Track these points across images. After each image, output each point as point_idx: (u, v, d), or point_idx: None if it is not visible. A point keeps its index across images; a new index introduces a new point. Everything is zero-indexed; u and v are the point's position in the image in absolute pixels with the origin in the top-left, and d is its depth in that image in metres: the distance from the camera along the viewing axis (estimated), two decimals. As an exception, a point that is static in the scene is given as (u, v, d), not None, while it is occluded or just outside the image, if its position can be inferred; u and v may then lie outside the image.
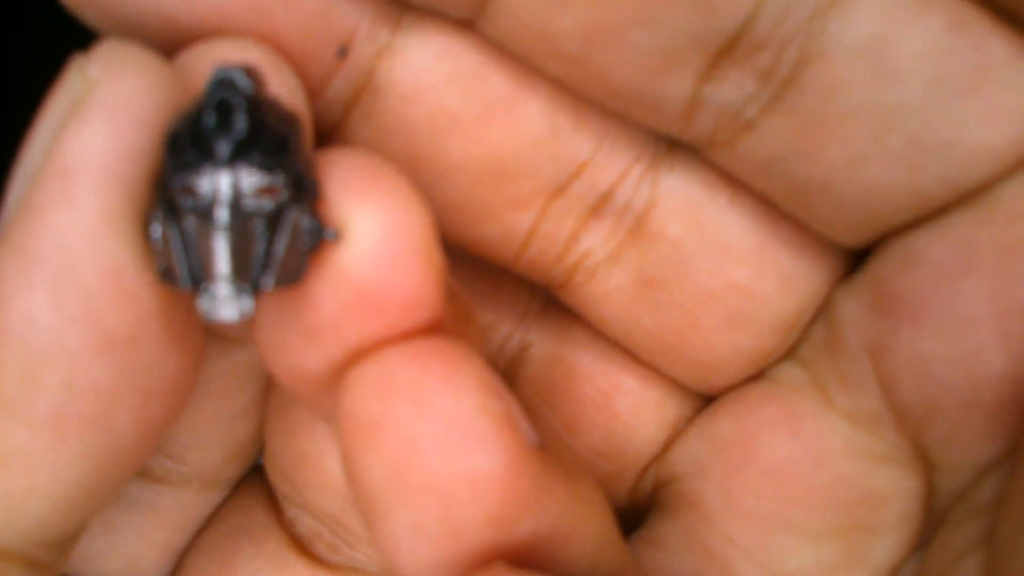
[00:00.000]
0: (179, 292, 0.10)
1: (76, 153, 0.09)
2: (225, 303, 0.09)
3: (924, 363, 0.13)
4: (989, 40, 0.12)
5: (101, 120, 0.10)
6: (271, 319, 0.11)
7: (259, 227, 0.09)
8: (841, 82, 0.12)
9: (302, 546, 0.15)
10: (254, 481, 0.16)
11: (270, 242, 0.09)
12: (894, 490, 0.14)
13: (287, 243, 0.09)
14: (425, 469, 0.10)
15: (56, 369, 0.09)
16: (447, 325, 0.11)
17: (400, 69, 0.13)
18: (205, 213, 0.09)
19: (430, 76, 0.13)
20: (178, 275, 0.09)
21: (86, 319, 0.09)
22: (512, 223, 0.14)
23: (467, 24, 0.12)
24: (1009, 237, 0.12)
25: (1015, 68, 0.12)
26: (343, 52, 0.12)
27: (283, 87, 0.11)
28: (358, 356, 0.10)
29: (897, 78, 0.12)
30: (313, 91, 0.13)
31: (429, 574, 0.10)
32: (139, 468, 0.11)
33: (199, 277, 0.09)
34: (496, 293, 0.16)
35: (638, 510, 0.16)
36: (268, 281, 0.09)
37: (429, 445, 0.10)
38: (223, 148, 0.09)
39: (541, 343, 0.16)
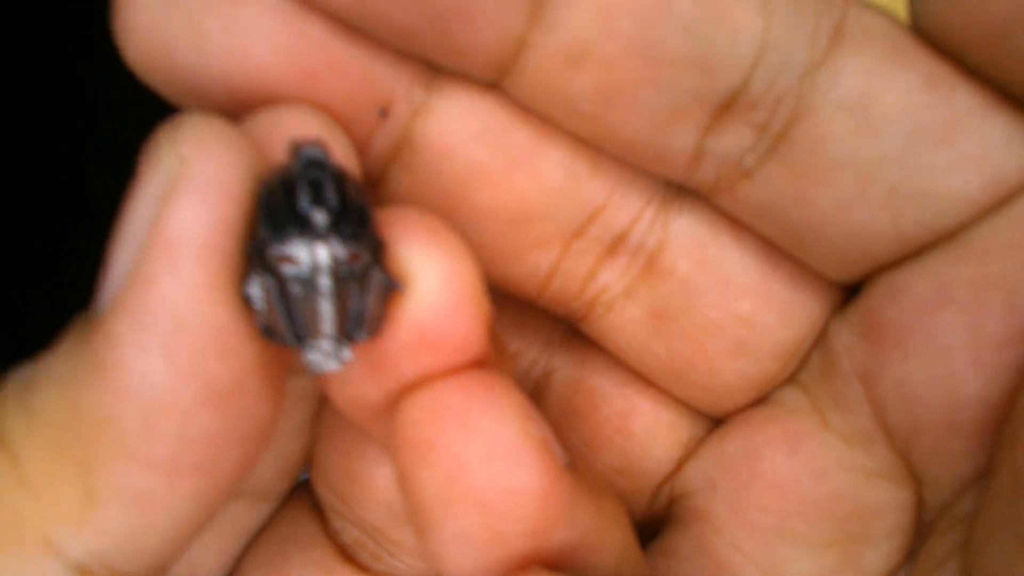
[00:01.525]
0: (281, 348, 0.11)
1: (178, 227, 0.10)
2: (330, 357, 0.10)
3: (909, 387, 0.14)
4: (960, 95, 0.12)
5: (198, 196, 0.10)
6: None
7: (353, 290, 0.10)
8: (829, 135, 0.13)
9: (347, 555, 0.16)
10: (301, 495, 0.17)
11: (361, 301, 0.10)
12: (886, 503, 0.15)
13: (373, 298, 0.10)
14: (472, 484, 0.11)
15: (171, 420, 0.10)
16: (488, 361, 0.11)
17: (434, 127, 0.13)
18: (308, 280, 0.10)
19: (461, 132, 0.13)
20: (283, 333, 0.10)
21: (195, 375, 0.10)
22: (536, 262, 0.15)
23: (493, 86, 0.13)
24: (982, 273, 0.13)
25: (983, 121, 0.12)
26: (384, 113, 0.13)
27: (339, 150, 0.12)
28: (411, 388, 0.11)
29: (878, 132, 0.12)
30: (358, 149, 0.13)
31: None
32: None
33: (303, 335, 0.10)
34: (522, 323, 0.17)
35: (653, 523, 0.17)
36: (362, 334, 0.10)
37: (476, 463, 0.11)
38: (320, 223, 0.10)
39: (563, 369, 0.17)
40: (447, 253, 0.11)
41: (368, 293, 0.10)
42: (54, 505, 0.10)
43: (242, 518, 0.16)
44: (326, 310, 0.10)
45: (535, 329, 0.17)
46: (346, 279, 0.10)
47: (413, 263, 0.11)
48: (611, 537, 0.12)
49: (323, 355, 0.10)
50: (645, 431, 0.17)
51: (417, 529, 0.11)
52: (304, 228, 0.10)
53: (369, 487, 0.15)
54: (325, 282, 0.10)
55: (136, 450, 0.10)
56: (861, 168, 0.13)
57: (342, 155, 0.12)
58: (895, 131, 0.12)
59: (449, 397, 0.11)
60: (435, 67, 0.13)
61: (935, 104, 0.12)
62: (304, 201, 0.10)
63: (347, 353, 0.10)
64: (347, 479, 0.15)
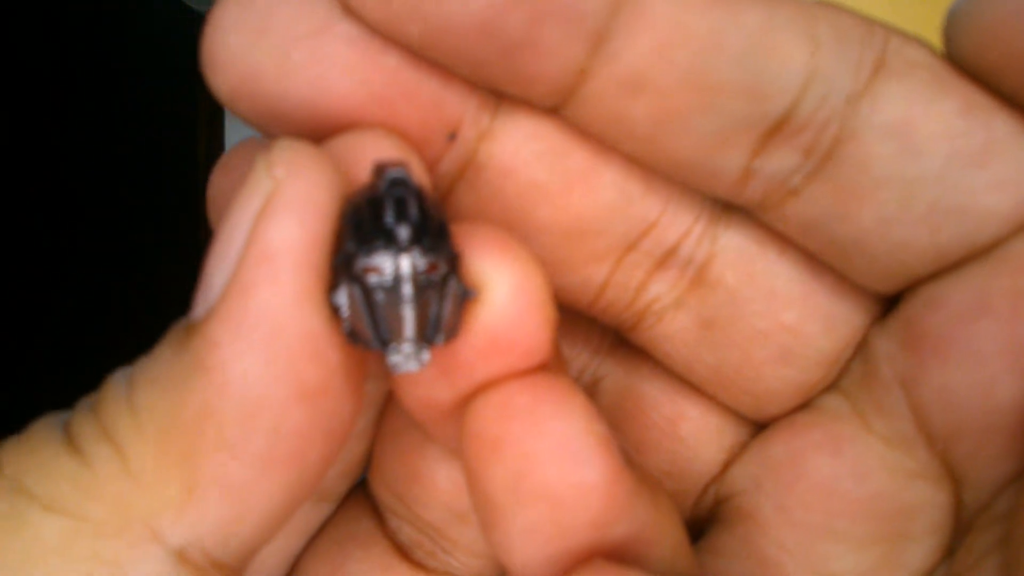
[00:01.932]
0: (365, 351, 0.11)
1: (275, 241, 0.11)
2: (410, 358, 0.11)
3: (948, 393, 0.14)
4: (996, 121, 0.13)
5: (292, 213, 0.11)
6: None
7: (433, 297, 0.11)
8: (872, 157, 0.13)
9: (403, 552, 0.17)
10: (359, 496, 0.18)
11: (439, 307, 0.11)
12: (925, 503, 0.15)
13: (450, 306, 0.11)
14: (540, 479, 0.11)
15: (266, 416, 0.11)
16: (553, 366, 0.12)
17: (498, 149, 0.14)
18: (393, 289, 0.11)
19: (522, 154, 0.14)
20: (368, 337, 0.11)
21: (289, 375, 0.11)
22: (589, 274, 0.15)
23: (553, 111, 0.14)
24: (1017, 286, 0.13)
25: (1018, 145, 0.13)
26: (452, 136, 0.14)
27: (416, 171, 0.12)
28: (481, 389, 0.12)
29: (919, 154, 0.13)
30: (429, 169, 0.14)
31: (538, 570, 0.12)
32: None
33: (386, 339, 0.11)
34: (573, 332, 0.18)
35: (699, 523, 0.17)
36: (440, 338, 0.11)
37: (543, 459, 0.11)
38: (403, 237, 0.11)
39: (612, 376, 0.18)
40: (517, 264, 0.12)
41: (445, 300, 0.11)
42: (158, 495, 0.11)
43: (305, 517, 0.17)
44: (408, 315, 0.11)
45: (584, 338, 0.18)
46: (425, 287, 0.11)
47: (487, 273, 0.12)
48: (666, 532, 0.13)
49: (404, 357, 0.11)
50: (692, 435, 0.17)
51: (484, 524, 0.12)
52: (389, 241, 0.11)
53: (430, 487, 0.15)
54: (408, 290, 0.11)
55: (235, 444, 0.11)
56: (902, 187, 0.13)
57: (418, 176, 0.13)
58: (934, 153, 0.13)
59: (518, 397, 0.12)
60: (500, 94, 0.14)
61: (972, 129, 0.13)
62: (390, 217, 0.11)
63: (426, 355, 0.11)
64: (408, 479, 0.16)
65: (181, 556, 0.11)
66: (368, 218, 0.11)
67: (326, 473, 0.12)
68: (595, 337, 0.18)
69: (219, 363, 0.11)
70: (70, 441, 0.11)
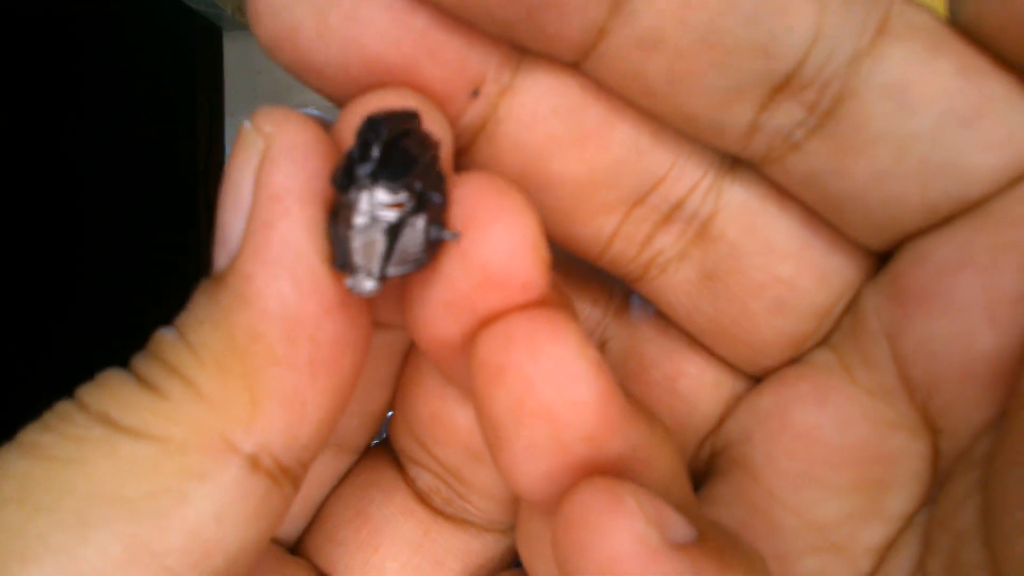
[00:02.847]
0: (335, 273, 0.13)
1: (280, 183, 0.12)
2: (360, 282, 0.12)
3: (930, 342, 0.15)
4: (990, 82, 0.14)
5: (288, 158, 0.12)
6: (419, 300, 0.13)
7: (384, 230, 0.12)
8: (870, 114, 0.14)
9: (422, 499, 0.18)
10: (380, 450, 0.18)
11: (393, 242, 0.12)
12: (905, 451, 0.16)
13: (411, 241, 0.12)
14: (538, 399, 0.12)
15: (304, 329, 0.12)
16: (552, 302, 0.13)
17: (517, 104, 0.15)
18: (347, 219, 0.12)
19: (541, 109, 0.15)
20: (335, 261, 0.12)
21: (316, 291, 0.12)
22: (599, 226, 0.16)
23: (573, 66, 0.14)
24: (999, 240, 0.14)
25: (1009, 106, 0.14)
26: (475, 93, 0.15)
27: (433, 123, 0.14)
28: (485, 324, 0.13)
29: (913, 112, 0.14)
30: (451, 122, 0.15)
31: (541, 485, 0.13)
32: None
33: (343, 263, 0.12)
34: (581, 297, 0.19)
35: (698, 476, 0.18)
36: (390, 270, 0.12)
37: (541, 381, 0.12)
38: (363, 172, 0.12)
39: (617, 339, 0.19)
40: (512, 206, 0.13)
41: (400, 235, 0.12)
42: (228, 412, 0.12)
43: (326, 467, 0.18)
44: (355, 245, 0.12)
45: (591, 304, 0.19)
46: (382, 221, 0.12)
47: (484, 214, 0.13)
48: (661, 456, 0.14)
49: (354, 281, 0.12)
50: (690, 391, 0.18)
51: (491, 448, 0.13)
52: (348, 176, 0.12)
53: (449, 427, 0.16)
54: (359, 220, 0.12)
55: (284, 357, 0.12)
56: (896, 143, 0.14)
57: (436, 128, 0.14)
58: (928, 112, 0.14)
59: (517, 327, 0.12)
60: (523, 50, 0.15)
61: (966, 89, 0.13)
62: (354, 155, 0.12)
63: (370, 284, 0.12)
64: (429, 421, 0.16)
65: (254, 463, 0.12)
66: (346, 160, 0.12)
67: (358, 382, 0.13)
68: (602, 302, 0.19)
69: (256, 292, 0.12)
70: (142, 381, 0.12)
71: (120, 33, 0.61)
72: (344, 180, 0.12)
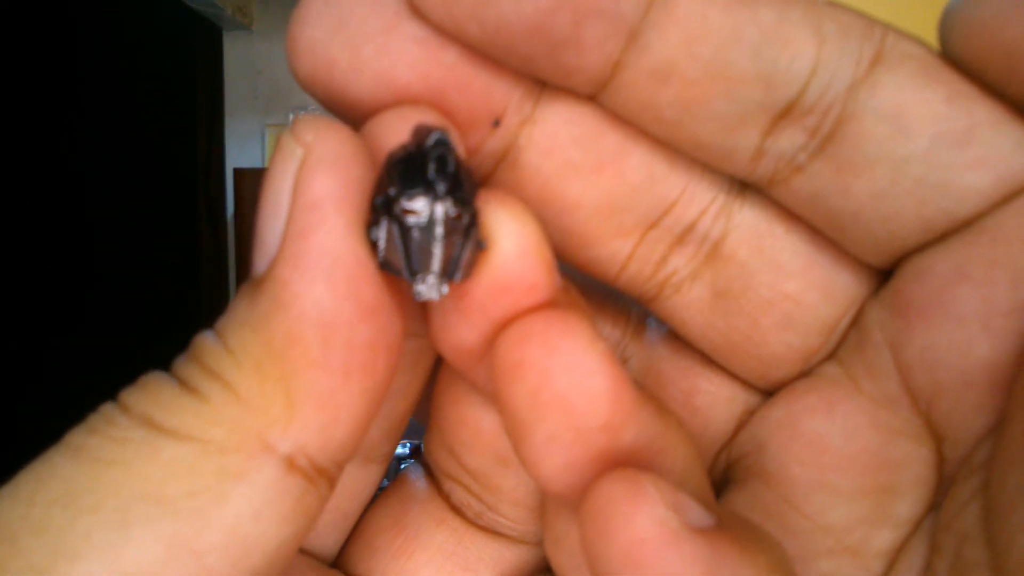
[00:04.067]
0: (395, 278, 0.13)
1: (318, 191, 0.13)
2: (432, 288, 0.13)
3: (931, 352, 0.15)
4: (978, 107, 0.14)
5: (327, 167, 0.13)
6: (439, 311, 0.14)
7: (456, 241, 0.13)
8: (867, 137, 0.14)
9: (456, 511, 0.18)
10: (415, 467, 0.19)
11: (460, 251, 0.13)
12: (910, 458, 0.16)
13: (468, 252, 0.13)
14: (554, 390, 0.13)
15: (340, 333, 0.13)
16: (562, 302, 0.14)
17: (538, 133, 0.16)
18: (427, 229, 0.13)
19: (560, 138, 0.16)
20: (400, 267, 0.13)
21: (352, 296, 0.13)
22: (616, 248, 0.17)
23: (590, 98, 0.15)
24: (993, 255, 0.14)
25: (996, 129, 0.14)
26: (497, 123, 0.15)
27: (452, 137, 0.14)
28: (500, 328, 0.14)
29: (908, 135, 0.14)
30: (474, 150, 0.16)
31: (563, 475, 0.13)
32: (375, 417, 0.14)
33: (415, 270, 0.13)
34: (601, 320, 0.19)
35: (715, 486, 0.19)
36: (458, 275, 0.13)
37: (557, 373, 0.13)
38: (441, 188, 0.13)
39: (636, 357, 0.19)
40: (517, 218, 0.14)
41: (466, 246, 0.13)
42: (265, 414, 0.13)
43: (355, 478, 0.19)
44: (436, 252, 0.13)
45: (612, 324, 0.20)
46: (451, 232, 0.13)
47: (495, 226, 0.13)
48: (676, 447, 0.14)
49: (427, 287, 0.13)
50: (706, 406, 0.19)
51: (515, 443, 0.14)
52: (429, 190, 0.13)
53: (477, 431, 0.17)
54: (439, 231, 0.13)
55: (319, 360, 0.13)
56: (893, 164, 0.15)
57: (455, 141, 0.14)
58: (922, 134, 0.14)
59: (532, 326, 0.13)
60: (543, 84, 0.15)
61: (956, 114, 0.14)
62: (432, 170, 0.13)
63: (445, 288, 0.13)
64: (457, 427, 0.17)
65: (290, 463, 0.13)
66: (410, 169, 0.13)
67: (391, 384, 0.14)
68: (620, 325, 0.20)
69: (293, 297, 0.13)
70: (183, 384, 0.13)
71: (120, 33, 0.62)
72: (417, 189, 0.13)
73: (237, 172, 1.48)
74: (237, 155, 1.49)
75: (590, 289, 0.19)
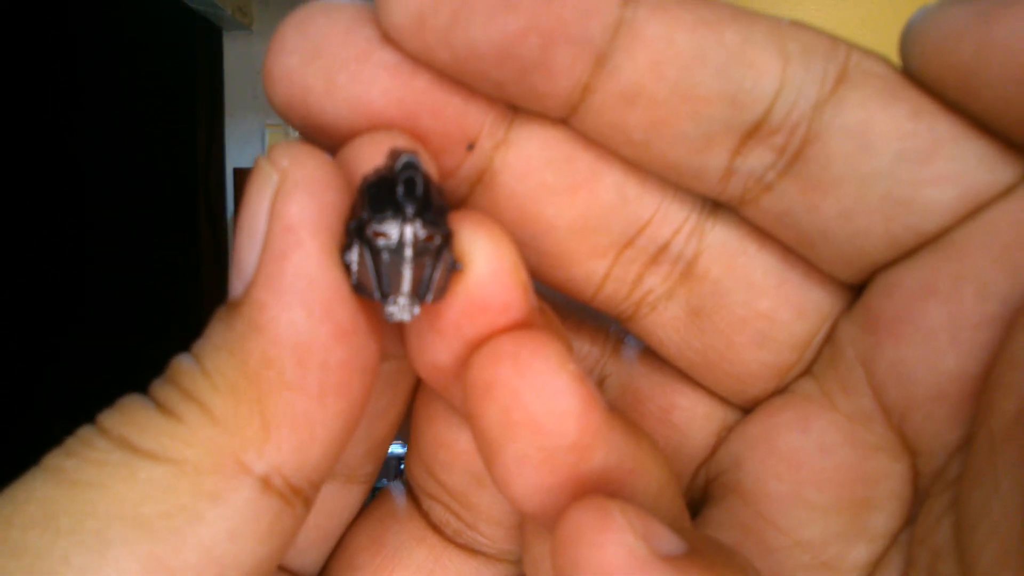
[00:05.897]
0: (368, 300, 0.13)
1: (294, 215, 0.13)
2: (404, 310, 0.13)
3: (901, 367, 0.15)
4: (940, 123, 0.14)
5: (302, 191, 0.13)
6: (415, 331, 0.14)
7: (427, 263, 0.13)
8: (833, 155, 0.15)
9: (436, 529, 0.18)
10: (396, 485, 0.19)
11: (432, 272, 0.13)
12: (885, 473, 0.16)
13: (440, 273, 0.13)
14: (524, 410, 0.13)
15: (315, 355, 0.13)
16: (536, 323, 0.14)
17: (512, 156, 0.16)
18: (396, 251, 0.13)
19: (534, 160, 0.16)
20: (371, 290, 0.13)
21: (327, 319, 0.13)
22: (592, 268, 0.17)
23: (561, 121, 0.15)
24: (959, 269, 0.15)
25: (959, 144, 0.14)
26: (471, 147, 0.16)
27: (423, 159, 0.14)
28: (475, 348, 0.14)
29: (873, 152, 0.14)
30: (448, 173, 0.16)
31: (534, 495, 0.13)
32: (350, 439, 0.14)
33: (386, 292, 0.13)
34: (578, 339, 0.20)
35: (694, 503, 0.19)
36: (429, 297, 0.13)
37: (527, 393, 0.13)
38: (410, 209, 0.13)
39: (615, 375, 0.20)
40: (491, 239, 0.14)
41: (437, 267, 0.13)
42: (241, 435, 0.13)
43: (337, 499, 0.19)
44: (406, 274, 0.13)
45: (590, 343, 0.20)
46: (422, 253, 0.13)
47: (469, 247, 0.14)
48: (649, 469, 0.14)
49: (399, 308, 0.13)
50: (684, 423, 0.19)
51: (487, 463, 0.14)
52: (397, 212, 0.13)
53: (454, 450, 0.17)
54: (408, 253, 0.13)
55: (294, 381, 0.13)
56: (859, 181, 0.15)
57: (426, 164, 0.15)
58: (886, 151, 0.14)
59: (504, 346, 0.13)
60: (516, 108, 0.16)
61: (919, 130, 0.14)
62: (400, 193, 0.13)
63: (416, 309, 0.13)
64: (436, 446, 0.17)
65: (265, 484, 0.13)
66: (382, 192, 0.13)
67: (367, 405, 0.14)
68: (599, 343, 0.20)
69: (269, 319, 0.13)
70: (160, 406, 0.13)
71: (120, 33, 0.62)
72: (386, 212, 0.13)
73: (237, 172, 1.49)
74: (237, 155, 1.50)
75: (569, 308, 0.20)
